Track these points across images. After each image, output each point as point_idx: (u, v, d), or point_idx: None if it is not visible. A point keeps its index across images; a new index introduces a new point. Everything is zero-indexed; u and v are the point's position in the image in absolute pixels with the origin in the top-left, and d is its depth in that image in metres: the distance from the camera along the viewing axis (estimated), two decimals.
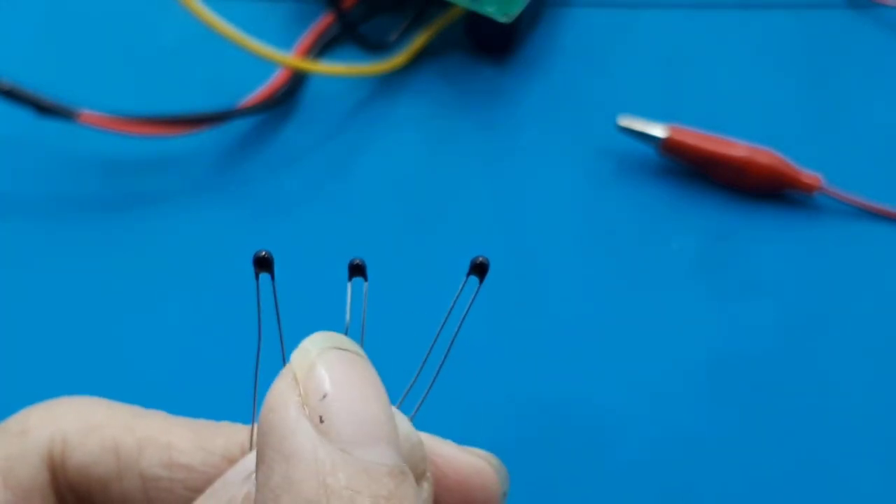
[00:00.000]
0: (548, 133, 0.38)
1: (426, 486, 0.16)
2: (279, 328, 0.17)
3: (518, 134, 0.38)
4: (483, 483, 0.18)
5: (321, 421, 0.14)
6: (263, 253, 0.16)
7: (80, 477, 0.18)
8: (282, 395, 0.15)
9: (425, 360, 0.17)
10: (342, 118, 0.39)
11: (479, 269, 0.17)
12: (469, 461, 0.18)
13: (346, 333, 0.17)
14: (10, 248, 0.35)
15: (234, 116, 0.37)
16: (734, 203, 0.37)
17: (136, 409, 0.20)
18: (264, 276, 0.16)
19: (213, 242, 0.35)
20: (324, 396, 0.15)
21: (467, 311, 0.17)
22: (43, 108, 0.34)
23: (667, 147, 0.37)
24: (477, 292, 0.17)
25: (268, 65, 0.37)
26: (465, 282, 0.17)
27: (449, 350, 0.17)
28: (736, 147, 0.36)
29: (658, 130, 0.36)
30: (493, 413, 0.32)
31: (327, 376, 0.15)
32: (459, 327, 0.17)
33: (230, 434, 0.19)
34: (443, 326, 0.17)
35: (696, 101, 0.39)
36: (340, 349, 0.16)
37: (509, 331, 0.33)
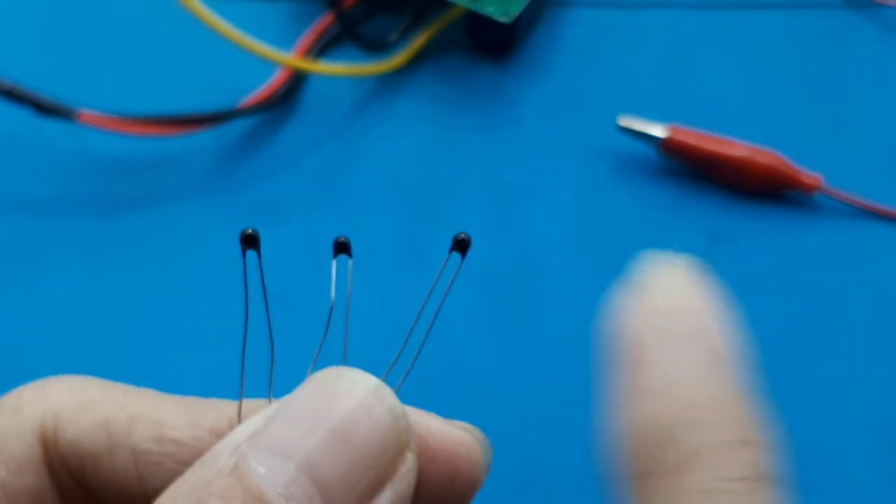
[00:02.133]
0: (548, 133, 0.38)
1: (410, 457, 0.17)
2: (266, 307, 0.17)
3: (518, 134, 0.38)
4: (467, 454, 0.18)
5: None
6: (250, 231, 0.16)
7: (71, 452, 0.19)
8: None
9: (409, 333, 0.18)
10: (342, 118, 0.39)
11: (461, 245, 0.17)
12: (453, 433, 0.18)
13: (331, 312, 0.17)
14: (10, 247, 0.35)
15: (234, 116, 0.37)
16: (734, 203, 0.37)
17: (129, 388, 0.20)
18: (251, 254, 0.16)
19: (213, 242, 0.35)
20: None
21: (448, 290, 0.18)
22: (43, 108, 0.34)
23: (667, 147, 0.37)
24: (459, 268, 0.17)
25: (268, 65, 0.37)
26: (448, 258, 0.17)
27: (432, 325, 0.18)
28: (736, 147, 0.36)
29: (658, 130, 0.36)
30: (492, 411, 0.32)
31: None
32: (442, 302, 0.18)
33: (219, 409, 0.19)
34: (426, 302, 0.17)
35: (696, 101, 0.39)
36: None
37: (509, 330, 0.33)
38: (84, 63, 0.40)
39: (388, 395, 0.17)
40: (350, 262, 0.18)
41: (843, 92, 0.40)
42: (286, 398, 0.16)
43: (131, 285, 0.34)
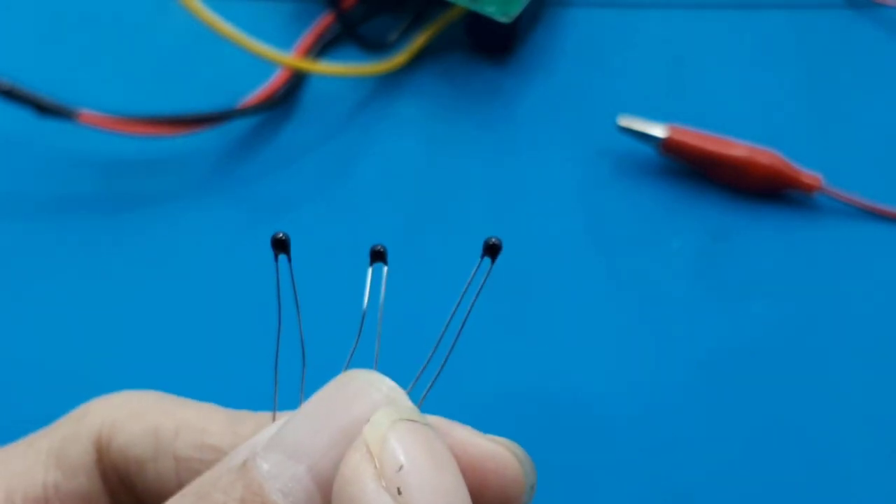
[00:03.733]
0: (548, 133, 0.38)
1: None
2: (297, 312, 0.17)
3: (518, 134, 0.38)
4: (498, 468, 0.18)
5: (399, 493, 0.15)
6: (280, 235, 0.17)
7: (121, 457, 0.20)
8: (358, 467, 0.15)
9: (438, 342, 0.18)
10: (342, 118, 0.39)
11: (492, 249, 0.17)
12: (484, 445, 0.18)
13: (363, 320, 0.17)
14: (10, 247, 0.35)
15: (234, 116, 0.37)
16: (734, 203, 0.37)
17: (184, 400, 0.21)
18: (282, 257, 0.16)
19: (213, 242, 0.35)
20: (400, 468, 0.15)
21: (478, 294, 0.17)
22: (43, 108, 0.34)
23: (667, 147, 0.37)
24: (489, 273, 0.17)
25: (268, 65, 0.37)
26: (480, 263, 0.17)
27: (459, 334, 0.17)
28: (736, 147, 0.36)
29: (658, 130, 0.36)
30: (493, 412, 0.32)
31: (401, 448, 0.15)
32: (469, 311, 0.17)
33: (260, 420, 0.20)
34: (457, 307, 0.17)
35: (696, 101, 0.39)
36: (410, 421, 0.16)
37: (510, 330, 0.33)
38: (84, 63, 0.40)
39: (401, 397, 0.17)
40: (385, 269, 0.18)
41: (844, 92, 0.40)
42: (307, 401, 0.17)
43: (131, 285, 0.34)
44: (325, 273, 0.32)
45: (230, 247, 0.35)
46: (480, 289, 0.17)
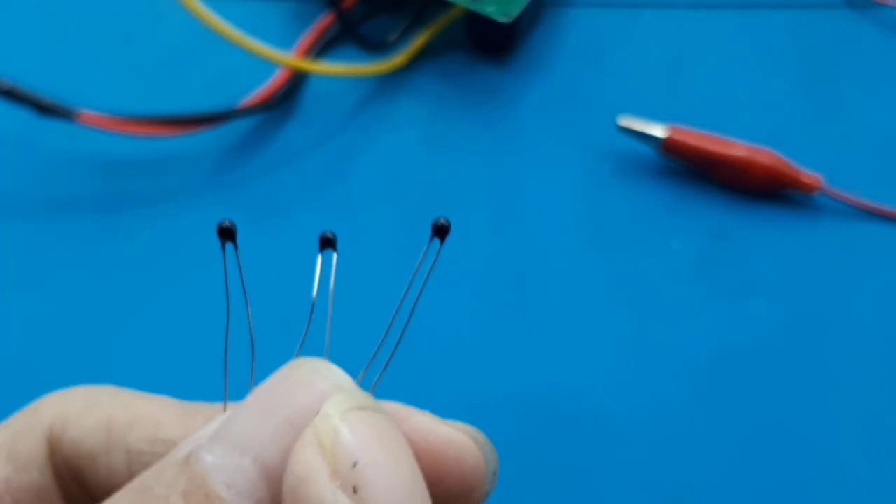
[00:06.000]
0: (548, 133, 0.38)
1: None
2: (246, 303, 0.17)
3: (518, 134, 0.38)
4: (458, 455, 0.17)
5: (355, 491, 0.14)
6: (227, 223, 0.16)
7: (72, 450, 0.19)
8: (310, 464, 0.14)
9: (388, 328, 0.17)
10: (342, 118, 0.39)
11: (440, 230, 0.17)
12: (443, 431, 0.17)
13: (312, 308, 0.17)
14: (10, 248, 0.35)
15: (234, 116, 0.37)
16: (734, 203, 0.37)
17: (141, 394, 0.20)
18: (229, 246, 0.16)
19: (213, 242, 0.35)
20: (354, 464, 0.14)
21: (427, 277, 0.17)
22: (43, 108, 0.34)
23: (667, 147, 0.37)
24: (438, 254, 0.17)
25: (268, 65, 0.37)
26: (429, 244, 0.17)
27: (410, 317, 0.17)
28: (736, 147, 0.36)
29: (658, 130, 0.36)
30: (493, 411, 0.32)
31: (355, 442, 0.15)
32: (419, 295, 0.17)
33: (212, 412, 0.19)
34: (407, 291, 0.17)
35: (696, 101, 0.39)
36: (362, 409, 0.15)
37: (509, 330, 0.33)
38: (84, 63, 0.40)
39: (348, 384, 0.16)
40: (335, 256, 0.17)
41: (844, 92, 0.40)
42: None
43: (131, 284, 0.34)
44: (324, 272, 0.32)
45: (230, 247, 0.35)
46: (430, 272, 0.17)
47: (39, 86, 0.34)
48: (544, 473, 0.31)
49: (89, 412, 0.19)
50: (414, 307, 0.17)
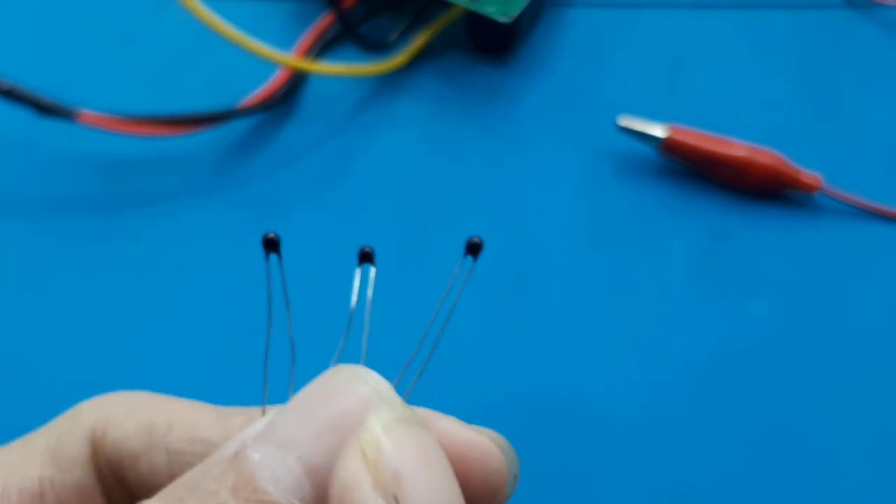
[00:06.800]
0: (548, 133, 0.38)
1: None
2: (287, 311, 0.18)
3: (518, 134, 0.38)
4: (482, 458, 0.18)
5: (396, 500, 0.15)
6: (271, 234, 0.17)
7: (114, 451, 0.20)
8: (355, 474, 0.16)
9: (422, 339, 0.18)
10: (342, 118, 0.39)
11: (473, 248, 0.18)
12: (468, 436, 0.18)
13: (350, 319, 0.18)
14: (10, 248, 0.35)
15: (234, 116, 0.37)
16: (734, 203, 0.37)
17: (176, 399, 0.21)
18: (273, 256, 0.17)
19: (213, 242, 0.35)
20: (395, 474, 0.15)
21: (460, 292, 0.18)
22: (43, 108, 0.34)
23: (667, 147, 0.37)
24: (470, 271, 0.17)
25: (268, 65, 0.37)
26: (462, 262, 0.17)
27: (443, 330, 0.18)
28: (736, 147, 0.36)
29: (658, 130, 0.36)
30: (494, 411, 0.32)
31: (397, 453, 0.16)
32: (453, 308, 0.18)
33: (249, 415, 0.20)
34: (440, 305, 0.18)
35: (696, 101, 0.39)
36: (403, 421, 0.16)
37: (509, 330, 0.33)
38: (84, 63, 0.40)
39: (387, 390, 0.17)
40: (373, 270, 0.18)
41: (844, 92, 0.40)
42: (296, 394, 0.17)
43: (131, 285, 0.34)
44: (324, 272, 0.32)
45: (230, 247, 0.35)
46: (462, 286, 0.18)
47: (39, 86, 0.34)
48: (544, 473, 0.31)
49: (129, 415, 0.20)
50: (446, 322, 0.18)
